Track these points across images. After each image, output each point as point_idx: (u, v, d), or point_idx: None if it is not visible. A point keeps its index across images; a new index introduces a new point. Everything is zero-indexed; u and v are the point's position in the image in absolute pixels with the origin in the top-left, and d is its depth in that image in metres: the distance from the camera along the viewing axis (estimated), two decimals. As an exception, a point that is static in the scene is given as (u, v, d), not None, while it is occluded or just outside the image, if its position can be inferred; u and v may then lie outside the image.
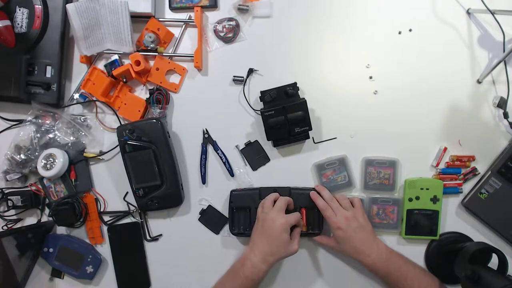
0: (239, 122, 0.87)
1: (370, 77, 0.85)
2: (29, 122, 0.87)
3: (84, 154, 0.87)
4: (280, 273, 0.85)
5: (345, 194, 0.84)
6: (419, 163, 0.84)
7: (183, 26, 0.88)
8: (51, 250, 0.86)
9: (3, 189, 0.88)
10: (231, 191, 0.84)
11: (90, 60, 0.88)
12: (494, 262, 0.73)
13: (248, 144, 0.86)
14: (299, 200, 0.81)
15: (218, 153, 0.86)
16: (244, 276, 0.73)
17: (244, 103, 0.87)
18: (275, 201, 0.78)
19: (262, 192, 0.82)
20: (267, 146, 0.86)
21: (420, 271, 0.77)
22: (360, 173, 0.84)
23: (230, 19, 0.87)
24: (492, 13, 0.79)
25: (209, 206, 0.87)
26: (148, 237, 0.87)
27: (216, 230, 0.87)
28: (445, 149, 0.82)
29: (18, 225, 0.89)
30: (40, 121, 0.87)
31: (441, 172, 0.83)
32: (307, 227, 0.81)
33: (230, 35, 0.87)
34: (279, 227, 0.73)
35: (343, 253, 0.79)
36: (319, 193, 0.80)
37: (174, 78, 0.88)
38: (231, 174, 0.86)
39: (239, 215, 0.83)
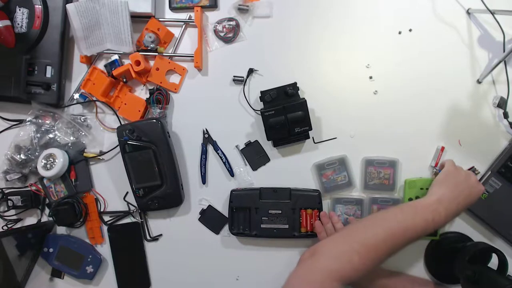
0: (239, 122, 0.87)
1: (370, 77, 0.85)
2: (29, 122, 0.87)
3: (84, 154, 0.87)
4: (278, 274, 0.85)
5: (345, 194, 0.84)
6: (419, 163, 0.84)
7: (183, 26, 0.88)
8: (51, 250, 0.86)
9: (3, 189, 0.88)
10: (231, 191, 0.83)
11: (90, 60, 0.88)
12: (494, 262, 0.73)
13: (248, 144, 0.86)
14: (299, 201, 0.81)
15: (218, 153, 0.86)
16: (425, 219, 0.67)
17: (244, 103, 0.87)
18: None
19: (263, 192, 0.82)
20: (267, 146, 0.86)
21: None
22: (360, 173, 0.84)
23: (230, 19, 0.87)
24: (492, 13, 0.79)
25: (209, 206, 0.87)
26: (148, 237, 0.87)
27: (216, 230, 0.87)
28: (443, 148, 0.82)
29: (18, 225, 0.89)
30: (40, 121, 0.87)
31: (437, 173, 0.82)
32: (306, 228, 0.81)
33: (230, 35, 0.87)
34: (478, 194, 0.73)
35: None
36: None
37: (174, 78, 0.88)
38: (231, 174, 0.86)
39: (238, 215, 0.83)
